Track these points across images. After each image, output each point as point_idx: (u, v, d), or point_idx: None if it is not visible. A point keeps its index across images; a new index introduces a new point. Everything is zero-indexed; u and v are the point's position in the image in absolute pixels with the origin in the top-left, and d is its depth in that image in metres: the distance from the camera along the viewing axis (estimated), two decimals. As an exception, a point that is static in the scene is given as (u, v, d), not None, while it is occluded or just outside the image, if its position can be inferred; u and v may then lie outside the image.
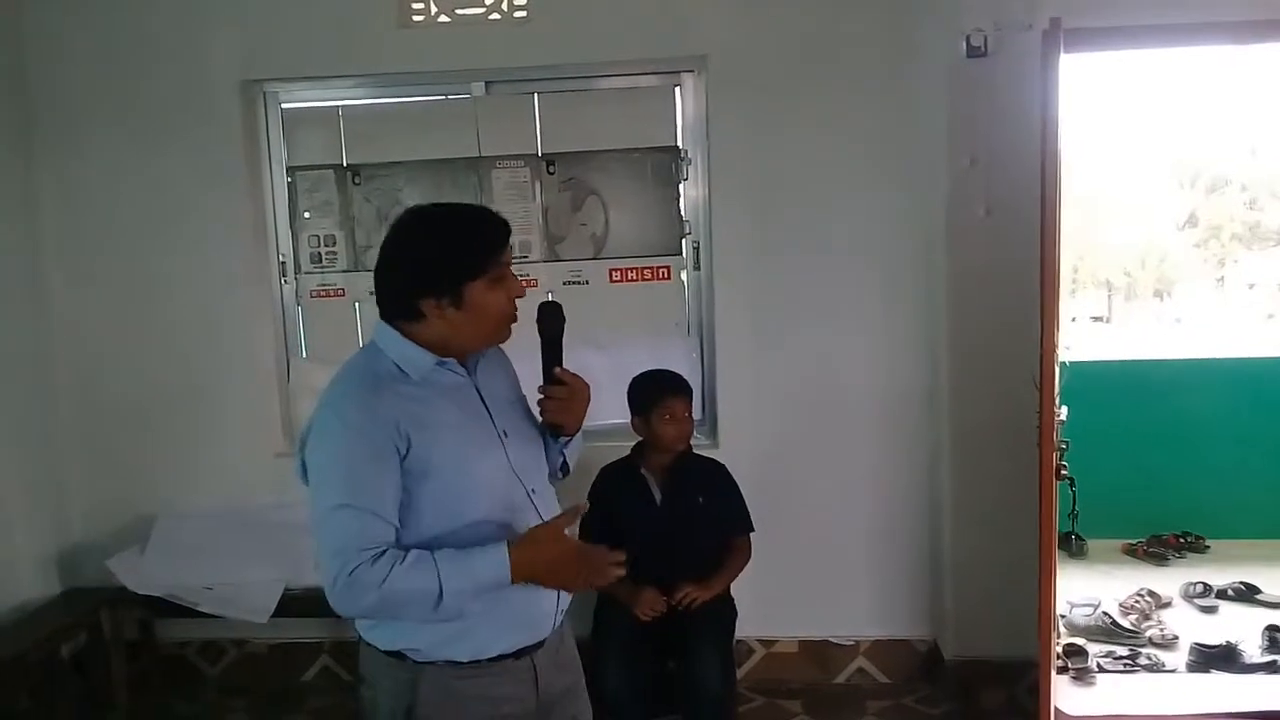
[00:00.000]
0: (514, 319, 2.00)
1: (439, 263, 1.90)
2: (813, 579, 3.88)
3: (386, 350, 1.96)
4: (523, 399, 2.15)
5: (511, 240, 1.99)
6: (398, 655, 1.97)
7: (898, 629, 3.94)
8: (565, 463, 2.21)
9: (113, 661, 3.85)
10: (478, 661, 1.97)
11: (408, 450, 1.87)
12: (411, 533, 1.89)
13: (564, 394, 2.08)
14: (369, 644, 2.01)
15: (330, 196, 4.06)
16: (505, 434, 2.02)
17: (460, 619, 1.89)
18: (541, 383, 2.09)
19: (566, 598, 2.08)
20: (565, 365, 2.10)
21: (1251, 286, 24.39)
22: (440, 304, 1.91)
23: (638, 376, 3.43)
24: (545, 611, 2.04)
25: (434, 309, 1.91)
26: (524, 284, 2.03)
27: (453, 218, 1.98)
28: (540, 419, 2.11)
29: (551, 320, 2.11)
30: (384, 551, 1.83)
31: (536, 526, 1.97)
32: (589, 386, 2.12)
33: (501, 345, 2.09)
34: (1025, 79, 3.29)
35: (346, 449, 1.87)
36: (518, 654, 2.01)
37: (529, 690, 2.04)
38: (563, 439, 2.15)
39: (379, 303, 1.98)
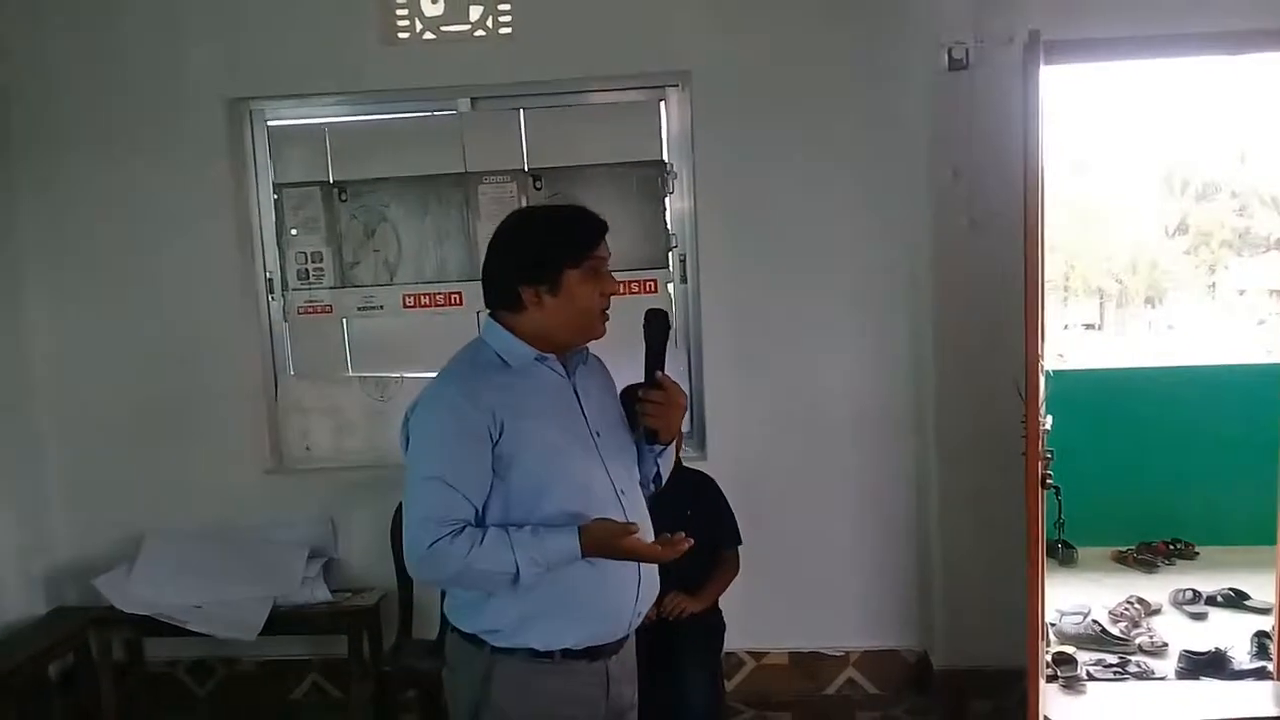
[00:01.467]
0: (606, 315, 2.09)
1: (537, 250, 2.03)
2: (802, 590, 3.88)
3: (490, 341, 2.08)
4: (619, 409, 2.23)
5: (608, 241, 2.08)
6: (477, 641, 2.05)
7: (887, 639, 3.94)
8: (658, 473, 2.27)
9: (101, 681, 3.83)
10: (550, 655, 2.03)
11: (500, 435, 1.97)
12: (494, 515, 1.98)
13: (661, 398, 2.13)
14: (453, 627, 2.10)
15: (317, 213, 4.06)
16: (598, 434, 2.11)
17: (551, 590, 1.97)
18: (644, 384, 2.16)
19: (646, 597, 2.13)
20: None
21: (1242, 293, 24.49)
22: (538, 291, 2.01)
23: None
24: (624, 605, 2.10)
25: (532, 296, 2.02)
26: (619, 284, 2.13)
27: (552, 212, 2.19)
28: (641, 423, 2.17)
29: (657, 325, 2.17)
30: (463, 529, 1.93)
31: (613, 521, 2.01)
32: (686, 395, 2.22)
33: (603, 361, 2.23)
34: (1006, 91, 3.32)
35: (443, 426, 1.98)
36: (592, 655, 2.07)
37: (600, 694, 2.11)
38: (657, 447, 2.20)
39: (485, 295, 2.11)
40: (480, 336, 2.11)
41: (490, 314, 2.10)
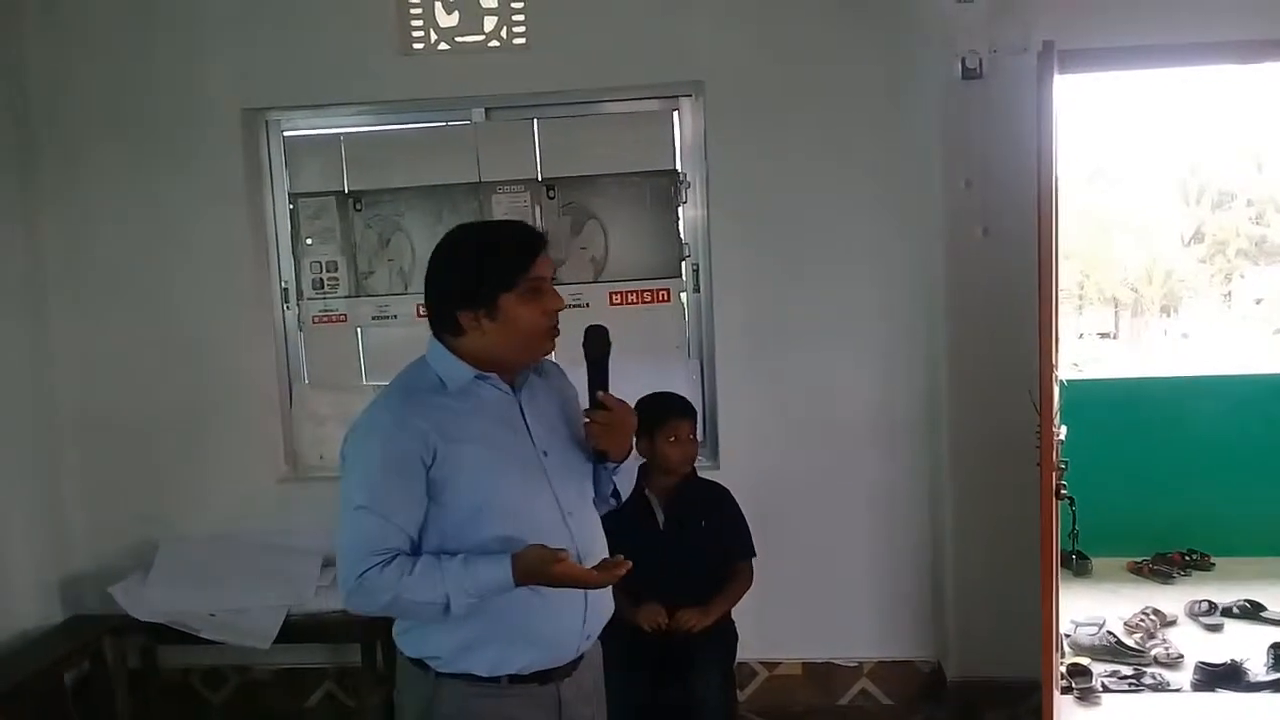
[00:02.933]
0: (553, 332, 2.03)
1: (472, 276, 1.95)
2: (815, 600, 3.87)
3: (431, 362, 2.03)
4: (573, 424, 2.14)
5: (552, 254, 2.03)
6: (420, 664, 2.02)
7: (901, 650, 3.93)
8: (616, 489, 2.21)
9: (116, 689, 3.84)
10: (496, 679, 1.99)
11: (433, 461, 1.92)
12: (431, 542, 1.95)
13: (605, 419, 2.07)
14: (399, 650, 2.07)
15: (332, 223, 4.09)
16: (545, 454, 2.05)
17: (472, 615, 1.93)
18: (588, 405, 2.11)
19: (595, 621, 2.09)
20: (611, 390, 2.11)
21: (1258, 301, 24.37)
22: (476, 316, 1.96)
23: (642, 399, 3.43)
24: (568, 631, 2.05)
25: (471, 321, 1.96)
26: (564, 299, 2.05)
27: (485, 232, 2.11)
28: (588, 445, 2.12)
29: (596, 343, 2.13)
30: (394, 558, 1.89)
31: (544, 547, 1.93)
32: (634, 413, 2.13)
33: (563, 369, 2.19)
34: (1020, 100, 3.32)
35: (373, 455, 1.94)
36: (541, 678, 2.03)
37: (552, 717, 2.06)
38: (610, 464, 2.14)
39: (428, 318, 2.04)
40: (424, 357, 2.05)
41: (433, 335, 2.04)
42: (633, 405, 3.35)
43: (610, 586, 2.07)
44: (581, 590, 2.01)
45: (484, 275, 1.94)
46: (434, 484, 1.93)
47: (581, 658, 2.11)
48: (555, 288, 2.03)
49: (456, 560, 1.90)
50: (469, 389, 2.00)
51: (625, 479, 2.22)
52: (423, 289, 2.03)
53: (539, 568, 1.90)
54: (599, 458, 2.11)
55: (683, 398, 3.45)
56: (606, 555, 2.08)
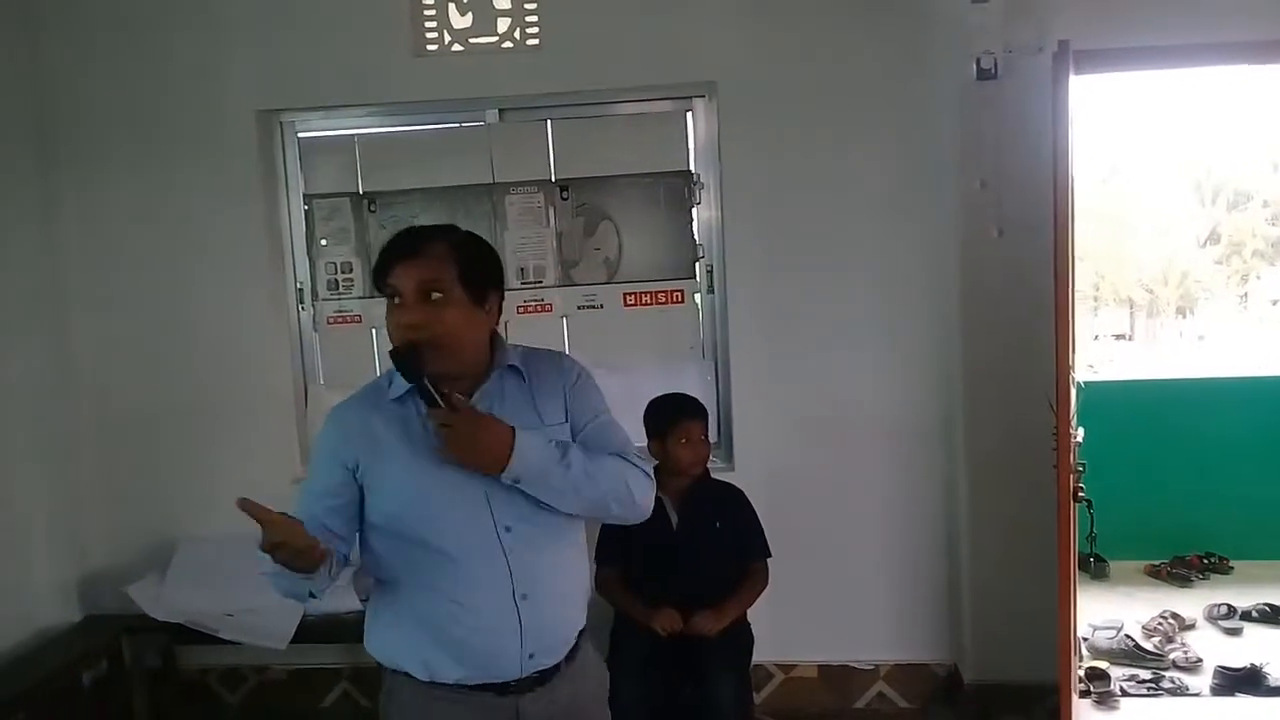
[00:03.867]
0: (396, 341, 1.98)
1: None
2: (831, 603, 3.86)
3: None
4: (546, 428, 2.05)
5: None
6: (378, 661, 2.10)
7: (917, 653, 3.92)
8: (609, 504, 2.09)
9: (134, 689, 3.87)
10: (440, 684, 2.00)
11: (357, 465, 2.01)
12: (363, 546, 2.07)
13: (446, 432, 1.94)
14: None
15: (346, 224, 4.10)
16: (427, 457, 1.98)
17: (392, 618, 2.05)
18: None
19: (536, 642, 2.01)
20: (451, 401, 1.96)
21: (1275, 303, 24.22)
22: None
23: (654, 400, 3.44)
24: (504, 651, 1.99)
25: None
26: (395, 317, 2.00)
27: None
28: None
29: (403, 358, 1.97)
30: None
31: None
32: (475, 423, 1.94)
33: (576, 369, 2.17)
34: (1035, 101, 3.31)
35: (316, 439, 2.13)
36: (499, 689, 2.00)
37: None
38: (506, 478, 1.96)
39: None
40: None
41: None
42: (643, 407, 3.39)
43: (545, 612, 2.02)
44: (514, 612, 1.98)
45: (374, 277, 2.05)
46: (363, 486, 2.03)
47: (547, 673, 2.04)
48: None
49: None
50: (408, 399, 2.03)
51: (553, 494, 2.01)
52: (507, 279, 2.16)
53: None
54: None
55: (694, 399, 3.45)
56: (551, 574, 2.04)
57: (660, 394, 3.46)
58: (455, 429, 1.92)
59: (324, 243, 4.12)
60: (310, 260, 4.12)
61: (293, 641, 3.65)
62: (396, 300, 1.98)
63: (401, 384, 2.00)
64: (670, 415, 3.36)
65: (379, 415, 2.02)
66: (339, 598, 3.76)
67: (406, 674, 2.03)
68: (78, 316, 4.04)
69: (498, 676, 2.01)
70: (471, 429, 1.93)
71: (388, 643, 2.06)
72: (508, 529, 1.99)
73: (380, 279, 2.00)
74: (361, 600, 3.80)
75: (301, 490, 2.06)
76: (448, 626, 1.97)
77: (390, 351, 1.99)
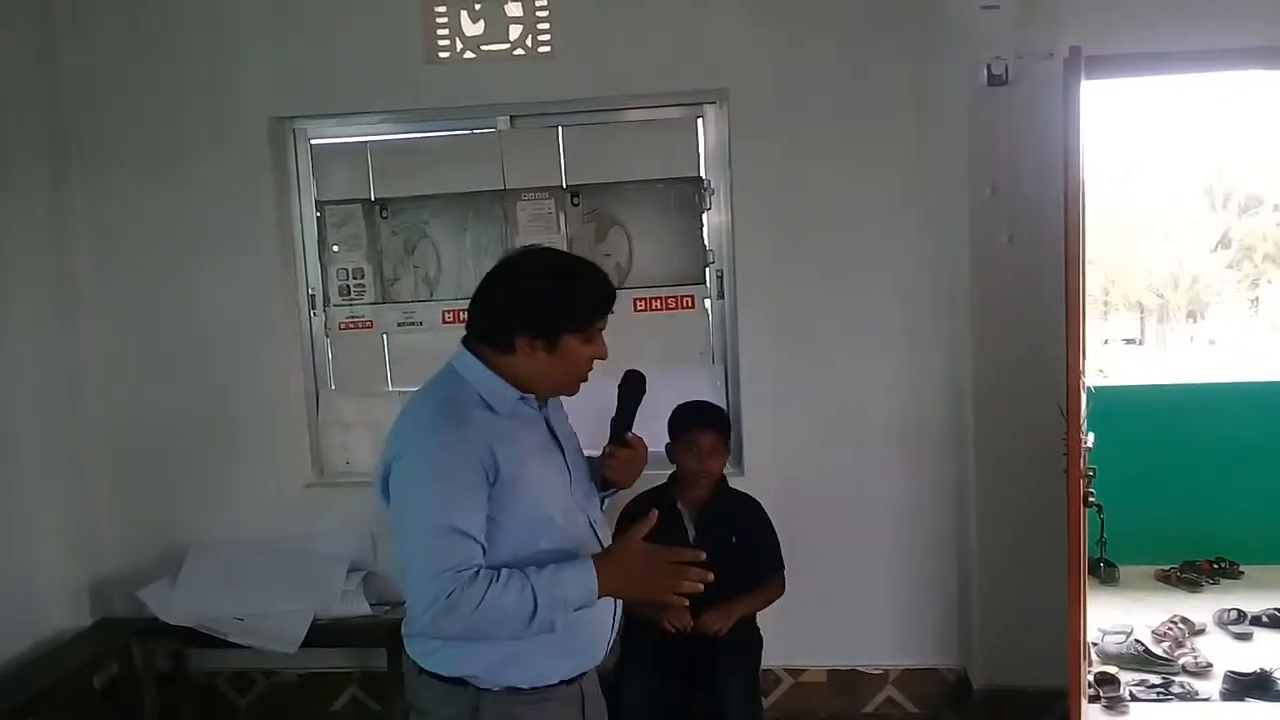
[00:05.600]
0: (586, 378, 2.08)
1: (550, 306, 1.98)
2: (840, 608, 3.86)
3: (468, 378, 2.02)
4: (578, 443, 2.21)
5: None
6: (458, 682, 2.00)
7: (926, 658, 3.91)
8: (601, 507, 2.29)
9: (145, 692, 3.89)
10: (536, 688, 2.01)
11: (495, 476, 1.93)
12: (492, 556, 1.93)
13: (627, 456, 2.20)
14: (426, 672, 2.04)
15: (358, 230, 4.11)
16: (571, 469, 2.11)
17: (550, 632, 1.93)
18: (609, 440, 2.22)
19: (617, 624, 2.14)
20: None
21: (1286, 307, 24.13)
22: (534, 344, 1.98)
23: (677, 406, 3.44)
24: (602, 634, 2.09)
25: (526, 346, 1.98)
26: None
27: (573, 270, 2.06)
28: (600, 472, 2.22)
29: (634, 387, 2.25)
30: (477, 571, 1.87)
31: (615, 542, 2.06)
32: (648, 451, 2.25)
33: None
34: (1046, 106, 3.32)
35: (439, 470, 1.91)
36: (569, 680, 2.07)
37: (578, 714, 2.10)
38: (605, 493, 2.26)
39: (470, 327, 2.06)
40: (454, 369, 2.05)
41: (466, 346, 2.05)
42: (663, 413, 3.39)
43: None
44: (614, 600, 2.07)
45: (564, 309, 1.99)
46: (494, 501, 1.93)
47: None
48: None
49: (535, 570, 1.90)
50: (513, 409, 2.02)
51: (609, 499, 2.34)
52: (469, 298, 2.07)
53: (636, 566, 1.96)
54: (604, 486, 2.23)
55: (714, 407, 3.47)
56: None
57: (685, 401, 3.46)
58: (641, 454, 2.23)
59: (336, 249, 4.13)
60: (322, 266, 4.13)
61: (303, 645, 3.67)
62: (595, 338, 2.05)
63: (510, 395, 2.01)
64: (682, 423, 3.36)
65: (500, 425, 1.98)
66: (349, 602, 3.79)
67: (508, 689, 1.99)
68: (90, 321, 4.06)
69: (592, 664, 2.10)
70: (645, 455, 2.26)
71: (490, 661, 1.98)
72: (595, 521, 2.14)
73: (599, 315, 2.04)
74: (372, 605, 3.82)
75: (453, 531, 1.88)
76: (567, 627, 1.97)
77: (630, 372, 2.27)
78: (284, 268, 4.06)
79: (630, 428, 2.21)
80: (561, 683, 2.04)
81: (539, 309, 1.98)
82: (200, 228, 3.99)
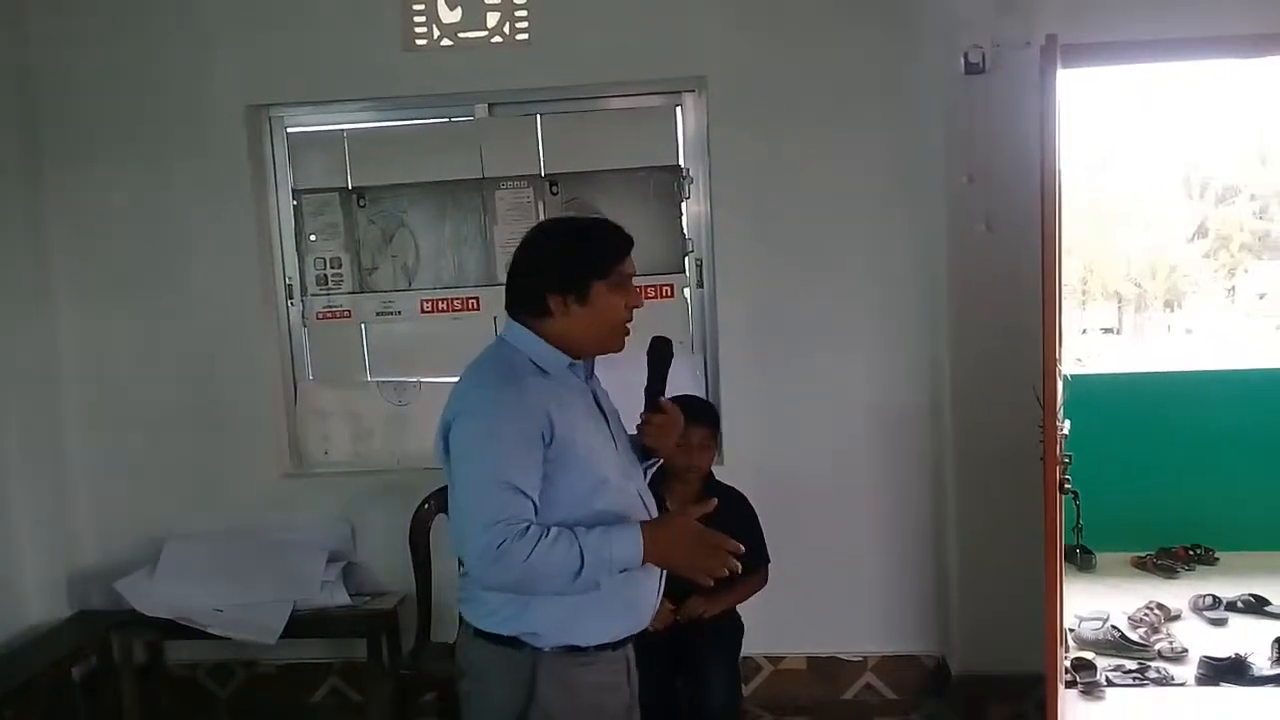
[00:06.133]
0: (628, 330, 2.15)
1: (568, 260, 2.08)
2: (820, 595, 3.87)
3: (519, 346, 2.10)
4: (619, 414, 2.28)
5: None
6: (514, 643, 2.06)
7: (905, 644, 3.94)
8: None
9: (123, 684, 3.87)
10: (587, 649, 2.08)
11: (552, 437, 2.00)
12: (548, 515, 1.99)
13: (662, 421, 2.26)
14: (481, 634, 2.10)
15: (335, 219, 4.09)
16: (616, 439, 2.18)
17: (595, 591, 2.00)
18: (645, 408, 2.27)
19: (662, 589, 2.21)
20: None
21: (1262, 296, 24.33)
22: (565, 300, 2.06)
23: (671, 398, 3.43)
24: (649, 598, 2.17)
25: (559, 305, 2.07)
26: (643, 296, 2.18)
27: (582, 224, 2.25)
28: (642, 441, 2.27)
29: (664, 352, 2.30)
30: (528, 527, 1.93)
31: (669, 514, 2.20)
32: (682, 417, 2.31)
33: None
34: (1023, 95, 3.32)
35: (499, 428, 1.99)
36: (616, 645, 2.14)
37: (625, 681, 2.18)
38: (649, 462, 2.30)
39: (508, 301, 2.15)
40: (504, 339, 2.13)
41: (512, 318, 2.14)
42: (634, 400, 3.38)
43: None
44: None
45: (581, 259, 2.08)
46: (549, 462, 2.00)
47: None
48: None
49: (583, 530, 1.97)
50: (563, 374, 2.10)
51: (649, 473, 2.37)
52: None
53: (679, 541, 2.04)
54: (644, 454, 2.28)
55: (704, 402, 3.46)
56: None
57: (672, 395, 3.44)
58: (676, 419, 2.27)
59: (313, 238, 4.11)
60: (299, 255, 4.11)
61: (282, 636, 3.66)
62: (623, 284, 2.12)
63: (560, 359, 2.09)
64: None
65: (553, 391, 2.06)
66: (329, 593, 3.78)
67: (567, 647, 2.06)
68: (66, 311, 4.03)
69: (641, 625, 2.18)
70: (680, 420, 2.29)
71: (552, 619, 2.05)
72: (641, 492, 2.20)
73: (618, 260, 2.11)
74: (351, 595, 3.82)
75: (508, 487, 1.95)
76: (624, 585, 2.06)
77: (656, 338, 2.30)
78: (261, 257, 4.04)
79: (663, 392, 2.29)
80: (609, 646, 2.11)
81: (561, 264, 2.08)
82: (176, 217, 3.96)
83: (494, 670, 2.09)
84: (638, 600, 2.14)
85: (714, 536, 2.08)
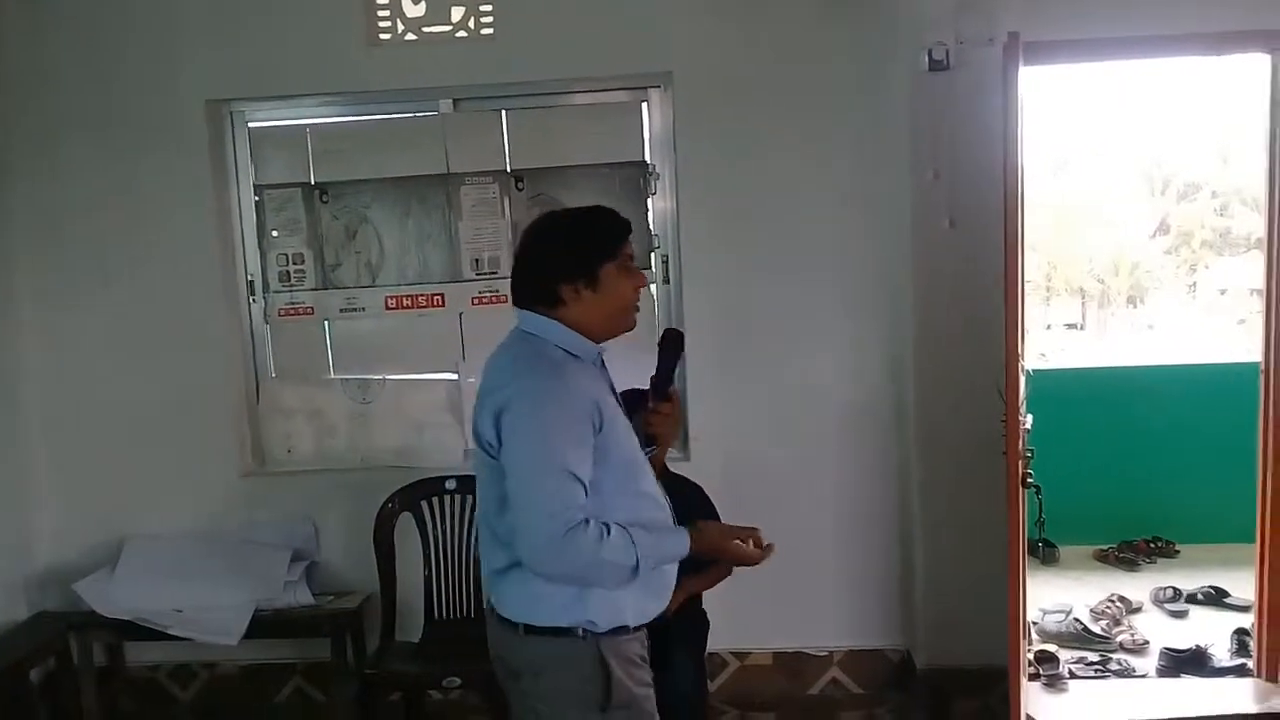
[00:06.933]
0: (636, 308, 2.23)
1: (575, 247, 2.15)
2: (785, 590, 3.86)
3: (546, 336, 2.16)
4: None
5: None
6: (571, 633, 2.12)
7: (870, 639, 3.96)
8: None
9: (82, 686, 3.81)
10: (630, 628, 2.17)
11: (600, 424, 2.07)
12: (596, 499, 2.06)
13: (669, 410, 2.41)
14: (535, 629, 2.14)
15: (298, 215, 4.05)
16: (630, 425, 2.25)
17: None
18: (652, 397, 2.42)
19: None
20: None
21: (1223, 292, 24.64)
22: (577, 286, 2.13)
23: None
24: (672, 582, 2.28)
25: (571, 292, 2.13)
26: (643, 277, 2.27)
27: (583, 212, 2.29)
28: (646, 430, 2.38)
29: (676, 345, 2.43)
30: (588, 521, 2.01)
31: (713, 524, 2.40)
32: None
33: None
34: (987, 92, 3.34)
35: (553, 415, 2.04)
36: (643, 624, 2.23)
37: (645, 655, 2.26)
38: (651, 449, 2.37)
39: (515, 293, 2.22)
40: (527, 332, 2.18)
41: (526, 311, 2.18)
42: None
43: None
44: None
45: (588, 245, 2.15)
46: (596, 449, 2.06)
47: None
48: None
49: (640, 531, 2.08)
50: (592, 361, 2.18)
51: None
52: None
53: (719, 542, 2.25)
54: (649, 441, 2.35)
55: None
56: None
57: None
58: (679, 411, 2.43)
59: (275, 234, 4.07)
60: (261, 252, 4.07)
61: (244, 637, 3.61)
62: (629, 265, 2.20)
63: (591, 347, 2.17)
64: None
65: (591, 376, 2.15)
66: (292, 593, 3.75)
67: (619, 628, 2.15)
68: (24, 310, 3.96)
69: (665, 605, 2.28)
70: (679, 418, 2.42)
71: (610, 607, 2.12)
72: (659, 481, 2.29)
73: (622, 242, 2.18)
74: (315, 595, 3.78)
75: (569, 475, 2.01)
76: (660, 572, 2.19)
77: (669, 330, 2.49)
78: (222, 253, 3.99)
79: (671, 383, 2.40)
80: (641, 625, 2.21)
81: (571, 252, 2.14)
82: (136, 212, 3.91)
83: (559, 662, 2.14)
84: (667, 584, 2.25)
85: (739, 529, 2.29)
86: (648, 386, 2.47)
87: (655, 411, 2.36)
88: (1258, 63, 3.46)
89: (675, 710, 3.10)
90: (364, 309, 4.04)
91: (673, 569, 2.25)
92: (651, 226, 3.96)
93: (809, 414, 3.87)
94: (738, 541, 2.26)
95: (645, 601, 2.20)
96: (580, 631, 2.12)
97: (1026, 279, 3.31)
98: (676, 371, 2.41)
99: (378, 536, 3.67)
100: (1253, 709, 3.60)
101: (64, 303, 3.97)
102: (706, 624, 3.39)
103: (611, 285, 2.15)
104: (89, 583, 3.76)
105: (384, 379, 4.06)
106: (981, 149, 3.37)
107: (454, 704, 3.88)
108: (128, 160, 3.89)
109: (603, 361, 2.25)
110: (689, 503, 3.37)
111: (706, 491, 3.43)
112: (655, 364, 2.46)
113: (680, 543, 2.16)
